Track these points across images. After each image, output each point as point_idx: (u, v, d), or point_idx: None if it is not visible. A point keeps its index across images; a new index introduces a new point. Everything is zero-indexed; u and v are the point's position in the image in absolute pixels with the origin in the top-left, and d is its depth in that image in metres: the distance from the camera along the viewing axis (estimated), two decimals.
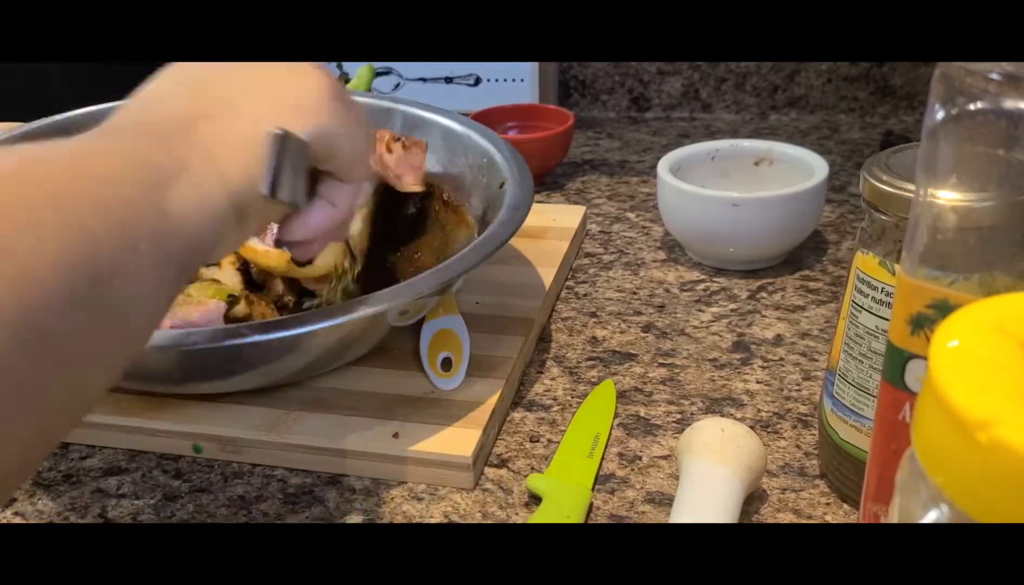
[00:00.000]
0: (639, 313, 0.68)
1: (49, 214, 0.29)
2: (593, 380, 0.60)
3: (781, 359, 0.61)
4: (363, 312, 0.51)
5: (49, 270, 0.28)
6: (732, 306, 0.68)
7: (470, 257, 0.55)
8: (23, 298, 0.27)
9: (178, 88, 0.40)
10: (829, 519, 0.48)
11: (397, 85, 1.02)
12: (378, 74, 1.00)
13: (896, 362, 0.36)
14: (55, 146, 0.33)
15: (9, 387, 0.26)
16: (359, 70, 0.87)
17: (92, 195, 0.31)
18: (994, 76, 0.30)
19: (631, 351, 0.63)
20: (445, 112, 0.73)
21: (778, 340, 0.63)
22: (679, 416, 0.56)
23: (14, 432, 0.27)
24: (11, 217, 0.28)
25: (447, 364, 0.58)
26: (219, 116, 0.38)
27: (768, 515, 0.49)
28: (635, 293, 0.70)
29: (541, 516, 0.48)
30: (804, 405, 0.57)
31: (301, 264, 0.58)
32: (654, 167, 0.76)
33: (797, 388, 0.58)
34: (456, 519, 0.50)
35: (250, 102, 0.40)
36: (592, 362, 0.62)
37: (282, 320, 0.51)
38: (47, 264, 0.28)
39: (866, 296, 0.45)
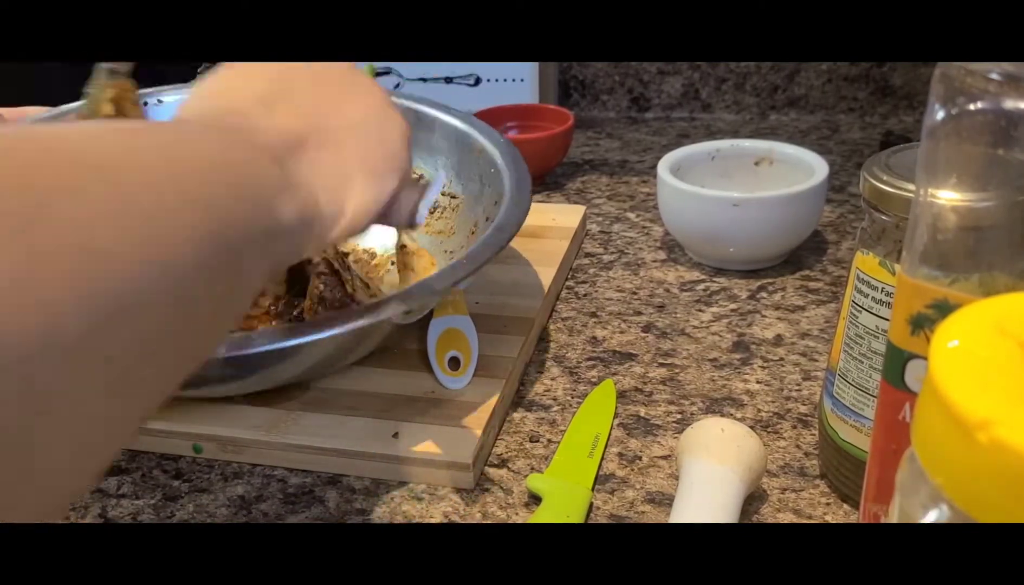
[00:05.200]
0: (639, 313, 0.68)
1: (190, 189, 0.30)
2: (593, 380, 0.60)
3: (781, 359, 0.61)
4: (366, 319, 0.50)
5: (188, 239, 0.29)
6: (732, 306, 0.68)
7: (481, 254, 0.55)
8: (169, 261, 0.28)
9: (283, 104, 0.42)
10: (829, 519, 0.48)
11: (397, 85, 1.02)
12: (378, 74, 1.00)
13: (896, 362, 0.36)
14: (166, 132, 0.35)
15: (160, 336, 0.28)
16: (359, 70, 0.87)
17: (227, 187, 0.33)
18: (994, 76, 0.30)
19: (631, 351, 0.63)
20: (455, 111, 0.74)
21: (778, 340, 0.63)
22: (679, 416, 0.56)
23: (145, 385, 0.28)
24: (158, 188, 0.29)
25: (455, 363, 0.58)
26: (323, 147, 0.41)
27: (768, 515, 0.49)
28: (635, 293, 0.70)
29: (541, 516, 0.48)
30: (804, 405, 0.57)
31: None
32: (654, 167, 0.76)
33: (797, 388, 0.58)
34: (456, 519, 0.50)
35: (350, 141, 0.43)
36: (592, 362, 0.62)
37: (284, 329, 0.51)
38: (187, 235, 0.29)
39: (866, 296, 0.45)
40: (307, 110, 0.42)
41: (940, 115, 0.31)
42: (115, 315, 0.25)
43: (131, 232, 0.26)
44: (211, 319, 0.32)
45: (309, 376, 0.57)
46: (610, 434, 0.55)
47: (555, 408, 0.58)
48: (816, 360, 0.61)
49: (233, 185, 0.34)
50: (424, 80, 1.01)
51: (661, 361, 0.62)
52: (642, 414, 0.57)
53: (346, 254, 0.67)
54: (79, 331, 0.24)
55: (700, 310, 0.68)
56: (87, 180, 0.26)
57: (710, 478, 0.46)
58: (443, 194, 0.73)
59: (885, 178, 0.43)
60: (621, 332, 0.65)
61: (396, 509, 0.51)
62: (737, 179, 0.76)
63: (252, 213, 0.34)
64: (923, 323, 0.34)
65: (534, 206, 0.81)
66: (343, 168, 0.42)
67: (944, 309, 0.33)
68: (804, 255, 0.74)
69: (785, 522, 0.48)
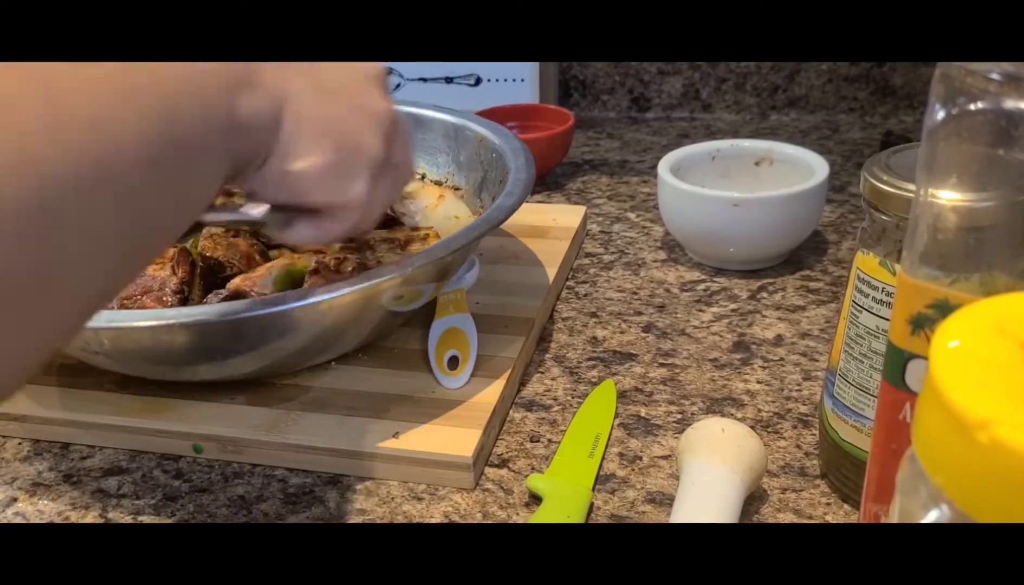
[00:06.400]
0: (639, 313, 0.68)
1: (139, 90, 0.33)
2: (593, 380, 0.60)
3: (781, 359, 0.61)
4: (357, 287, 0.51)
5: (132, 132, 0.32)
6: (732, 306, 0.68)
7: (462, 237, 0.56)
8: (111, 152, 0.30)
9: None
10: (829, 519, 0.48)
11: (397, 85, 1.02)
12: None
13: (896, 362, 0.36)
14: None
15: (93, 226, 0.30)
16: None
17: (176, 86, 0.35)
18: (994, 76, 0.30)
19: (631, 351, 0.63)
20: (450, 109, 0.75)
21: (778, 340, 0.63)
22: (679, 416, 0.56)
23: (88, 269, 0.31)
24: (104, 93, 0.31)
25: (453, 362, 0.58)
26: (304, 86, 0.43)
27: (768, 515, 0.49)
28: (635, 293, 0.70)
29: (541, 516, 0.48)
30: (804, 405, 0.57)
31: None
32: (654, 167, 0.76)
33: (797, 388, 0.58)
34: (456, 519, 0.50)
35: (331, 105, 0.45)
36: (592, 362, 0.62)
37: (278, 296, 0.52)
38: (130, 129, 0.32)
39: (866, 296, 0.45)
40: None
41: (940, 115, 0.31)
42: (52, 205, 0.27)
43: (62, 134, 0.28)
44: (162, 210, 0.34)
45: (303, 359, 0.57)
46: (610, 434, 0.55)
47: (555, 408, 0.58)
48: (816, 360, 0.61)
49: (183, 81, 0.35)
50: (424, 80, 1.01)
51: (661, 361, 0.62)
52: (642, 414, 0.57)
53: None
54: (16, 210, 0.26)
55: (700, 310, 0.68)
56: (23, 86, 0.28)
57: (710, 478, 0.46)
58: (446, 186, 0.73)
59: (885, 178, 0.43)
60: (621, 332, 0.65)
61: (396, 509, 0.51)
62: (737, 179, 0.76)
63: (202, 109, 0.35)
64: (923, 323, 0.34)
65: (535, 206, 0.82)
66: (316, 109, 0.43)
67: (944, 309, 0.33)
68: (804, 255, 0.74)
69: (785, 522, 0.48)
